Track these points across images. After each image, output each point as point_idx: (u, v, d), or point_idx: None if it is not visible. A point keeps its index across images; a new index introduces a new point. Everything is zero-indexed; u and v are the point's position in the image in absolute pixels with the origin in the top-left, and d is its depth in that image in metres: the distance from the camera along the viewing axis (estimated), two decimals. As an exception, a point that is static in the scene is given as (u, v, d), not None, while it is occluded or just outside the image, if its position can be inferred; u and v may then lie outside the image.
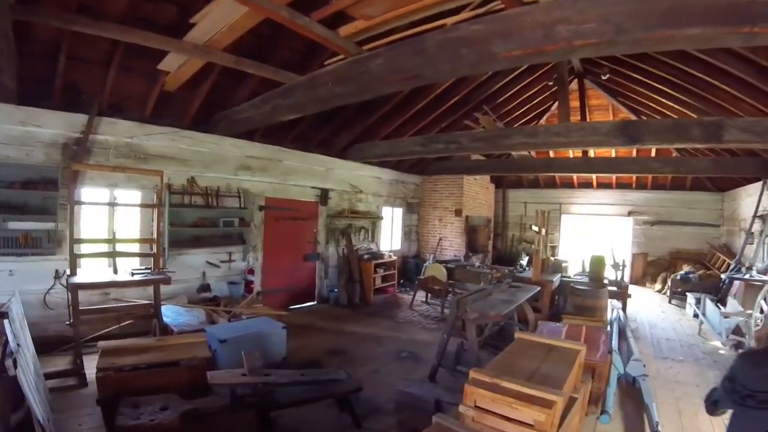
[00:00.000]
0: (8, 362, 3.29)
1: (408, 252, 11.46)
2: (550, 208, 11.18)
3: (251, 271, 7.27)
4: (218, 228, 6.86)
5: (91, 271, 5.36)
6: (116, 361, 4.02)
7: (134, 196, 6.14)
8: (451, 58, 3.63)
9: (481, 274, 7.86)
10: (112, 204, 5.47)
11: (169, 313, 5.73)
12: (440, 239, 11.29)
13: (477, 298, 5.24)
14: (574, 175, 12.45)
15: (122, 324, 5.52)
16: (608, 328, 5.87)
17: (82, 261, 5.46)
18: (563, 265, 9.03)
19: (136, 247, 5.94)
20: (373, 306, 8.53)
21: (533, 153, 10.60)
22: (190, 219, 6.63)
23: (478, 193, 11.91)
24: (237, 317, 5.97)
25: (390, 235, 10.95)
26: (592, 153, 10.36)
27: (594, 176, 12.23)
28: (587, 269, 8.03)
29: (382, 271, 9.26)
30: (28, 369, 3.60)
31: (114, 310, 5.36)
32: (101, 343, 4.34)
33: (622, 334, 6.15)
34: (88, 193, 5.72)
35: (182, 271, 6.49)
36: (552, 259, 8.87)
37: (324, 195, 8.63)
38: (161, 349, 4.29)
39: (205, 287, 6.72)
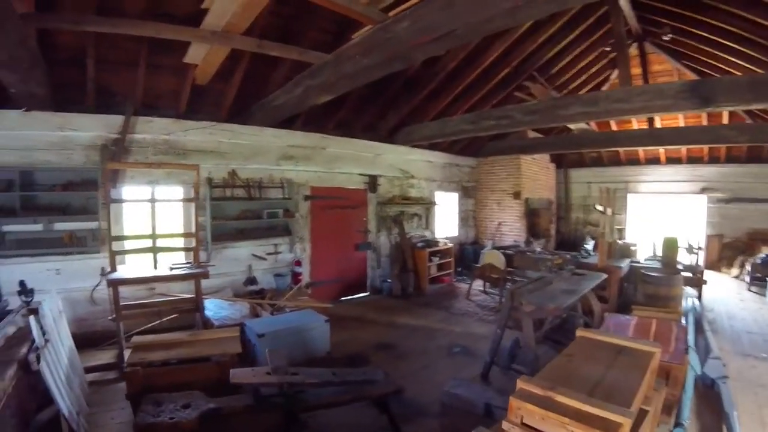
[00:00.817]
0: (32, 357, 3.31)
1: (465, 239, 10.89)
2: (615, 187, 10.28)
3: (298, 263, 7.12)
4: (262, 220, 6.76)
5: (133, 267, 5.41)
6: (146, 356, 3.95)
7: (176, 191, 6.19)
8: (481, 4, 3.15)
9: (540, 260, 7.16)
10: (150, 201, 5.48)
11: (212, 307, 5.70)
12: (499, 224, 10.61)
13: (534, 288, 4.73)
14: (640, 150, 11.21)
15: (165, 319, 5.52)
16: (683, 321, 5.15)
17: (128, 257, 5.59)
18: (632, 249, 8.16)
19: (180, 243, 5.97)
20: (428, 296, 8.12)
21: (593, 125, 9.70)
22: (233, 212, 6.57)
23: (537, 174, 11.06)
24: (280, 310, 5.79)
25: (445, 222, 10.45)
26: (658, 123, 9.32)
27: (662, 150, 10.94)
28: (659, 253, 7.28)
29: (437, 259, 8.81)
30: (58, 364, 3.60)
31: (156, 305, 5.35)
32: (135, 338, 4.32)
33: (698, 326, 5.47)
34: (129, 191, 5.84)
35: (227, 265, 6.50)
36: (619, 242, 7.98)
37: (372, 182, 8.32)
38: (192, 345, 4.19)
39: (252, 280, 6.64)
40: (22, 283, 4.18)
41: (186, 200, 5.86)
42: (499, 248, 8.47)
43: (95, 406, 3.98)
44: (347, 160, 7.95)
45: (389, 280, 8.21)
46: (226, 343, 4.20)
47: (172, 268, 5.16)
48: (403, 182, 9.04)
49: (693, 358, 3.98)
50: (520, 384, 2.19)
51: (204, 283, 6.03)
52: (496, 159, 10.69)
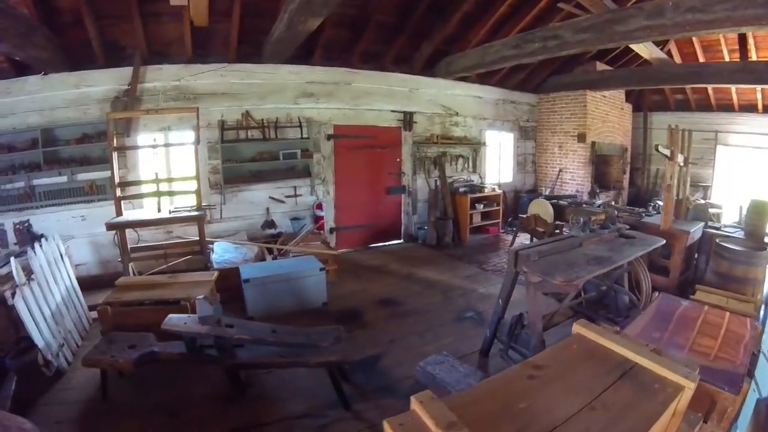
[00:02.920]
0: (8, 293, 3.75)
1: (522, 185, 10.17)
2: (702, 137, 9.14)
3: (319, 206, 7.21)
4: (279, 161, 6.89)
5: (138, 211, 5.83)
6: (121, 296, 4.29)
7: (188, 136, 6.39)
8: None
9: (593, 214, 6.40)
10: (152, 146, 5.90)
11: (218, 250, 6.00)
12: (560, 171, 9.72)
13: (551, 251, 3.85)
14: (733, 90, 9.42)
15: (177, 261, 5.90)
16: (760, 315, 4.08)
17: (145, 202, 6.03)
18: (714, 212, 7.08)
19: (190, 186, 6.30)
20: (466, 248, 7.83)
21: (676, 54, 8.34)
22: (249, 154, 6.76)
23: (608, 115, 9.80)
24: (285, 255, 5.94)
25: (498, 166, 9.82)
26: (753, 54, 7.85)
27: (759, 92, 9.08)
28: (744, 220, 6.11)
29: (481, 206, 8.39)
30: (43, 301, 4.02)
31: (161, 248, 5.76)
32: (120, 279, 4.67)
33: None
34: (143, 138, 6.30)
35: (244, 208, 6.81)
36: (696, 201, 6.90)
37: (408, 119, 7.99)
38: (168, 287, 4.44)
39: (270, 223, 6.89)
40: (29, 230, 4.72)
41: (187, 144, 6.04)
42: (552, 198, 7.81)
43: (91, 340, 4.37)
44: (377, 96, 7.67)
45: (425, 228, 8.02)
46: (201, 288, 4.39)
47: (171, 212, 5.46)
48: (445, 120, 8.57)
49: (762, 370, 2.85)
50: (414, 404, 1.35)
51: (218, 226, 6.52)
52: (558, 96, 9.67)
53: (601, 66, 9.03)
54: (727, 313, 3.46)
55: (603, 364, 1.79)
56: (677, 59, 8.48)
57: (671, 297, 3.89)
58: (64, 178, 6.02)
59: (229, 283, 5.03)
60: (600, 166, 9.65)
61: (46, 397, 3.60)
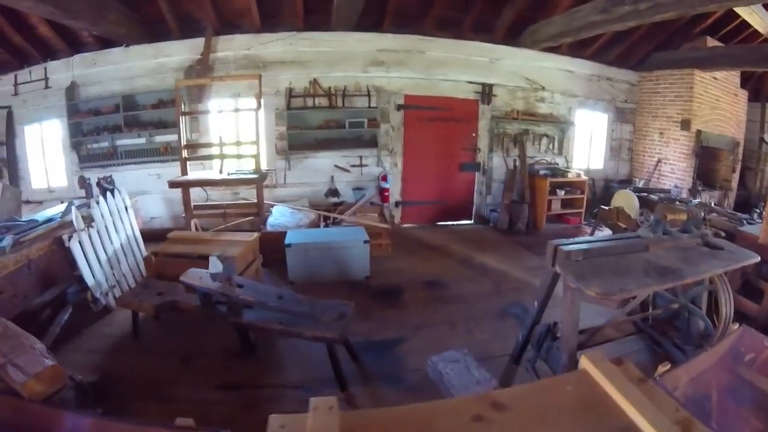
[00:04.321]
0: (65, 237, 4.29)
1: (615, 174, 9.26)
2: None
3: (384, 178, 7.24)
4: (345, 130, 7.03)
5: (200, 172, 6.27)
6: (167, 248, 4.73)
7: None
8: None
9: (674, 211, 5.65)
10: (215, 111, 6.66)
11: (276, 213, 6.34)
12: (658, 161, 8.70)
13: (604, 251, 3.24)
14: None
15: (235, 222, 6.29)
16: None
17: (213, 163, 6.49)
18: None
19: (263, 151, 6.68)
20: (539, 236, 7.36)
21: None
22: (315, 122, 7.03)
23: (719, 101, 8.53)
24: (337, 224, 6.08)
25: (589, 150, 9.10)
26: None
27: None
28: None
29: (562, 193, 7.86)
30: (100, 246, 4.52)
31: (221, 207, 6.16)
32: (172, 233, 5.10)
33: None
34: (215, 103, 6.86)
35: (308, 175, 7.13)
36: None
37: (487, 92, 7.68)
38: (208, 244, 4.77)
39: (333, 192, 7.13)
40: (98, 183, 5.29)
41: (246, 110, 6.33)
42: (642, 191, 7.14)
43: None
44: (453, 66, 7.47)
45: (498, 210, 7.74)
46: (237, 246, 4.64)
47: (230, 174, 5.82)
48: (529, 95, 8.11)
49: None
50: (311, 407, 1.15)
51: (282, 191, 6.91)
52: (662, 74, 8.62)
53: (711, 42, 7.96)
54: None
55: (598, 426, 1.29)
56: None
57: (755, 334, 2.83)
58: (142, 140, 6.85)
59: (278, 246, 5.24)
60: (706, 160, 8.54)
61: (90, 329, 4.14)
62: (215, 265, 3.51)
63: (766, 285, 4.49)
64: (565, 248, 3.10)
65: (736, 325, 3.22)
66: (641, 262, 3.17)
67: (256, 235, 5.00)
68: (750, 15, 6.95)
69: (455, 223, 7.99)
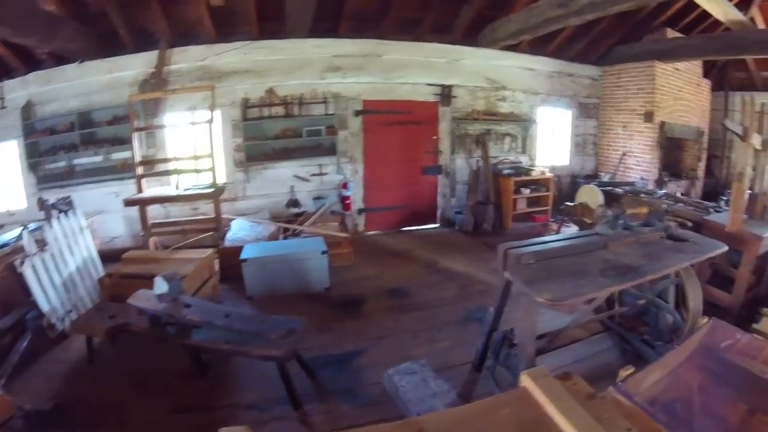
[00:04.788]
0: (17, 262, 4.55)
1: (581, 169, 9.75)
2: None
3: (345, 185, 7.56)
4: (303, 138, 7.35)
5: (156, 189, 6.58)
6: (122, 269, 5.01)
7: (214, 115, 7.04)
8: None
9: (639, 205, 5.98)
10: (165, 126, 6.93)
11: (235, 228, 6.62)
12: (623, 155, 9.19)
13: (559, 252, 3.25)
14: None
15: (196, 238, 6.57)
16: None
17: (171, 179, 6.78)
18: None
19: (221, 164, 6.99)
20: (506, 236, 7.64)
21: (758, 18, 7.67)
22: (272, 131, 7.33)
23: (681, 91, 9.01)
24: (297, 235, 6.41)
25: (554, 147, 9.55)
26: None
27: None
28: None
29: (527, 191, 8.28)
30: (54, 270, 4.78)
31: (179, 224, 6.48)
32: (128, 253, 5.40)
33: None
34: (171, 118, 7.08)
35: (268, 186, 7.42)
36: None
37: (446, 93, 8.06)
38: (163, 263, 5.06)
39: (294, 202, 7.45)
40: (54, 205, 5.56)
41: (201, 123, 6.60)
42: (607, 185, 7.54)
43: (101, 308, 5.17)
44: (412, 68, 7.83)
45: (463, 212, 8.11)
46: (191, 264, 4.95)
47: (185, 189, 6.13)
48: (489, 94, 8.50)
49: None
50: None
51: (242, 204, 7.22)
52: (624, 68, 9.11)
53: (672, 34, 8.42)
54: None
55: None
56: (761, 23, 7.71)
57: (725, 326, 2.89)
58: (99, 158, 7.10)
59: (237, 261, 5.48)
60: (671, 151, 9.04)
61: (48, 355, 4.37)
62: (160, 286, 3.74)
63: (736, 273, 4.67)
64: (516, 251, 3.06)
65: (705, 319, 3.05)
66: (599, 262, 3.17)
67: (210, 251, 5.31)
68: (708, 3, 7.16)
69: (421, 227, 8.33)
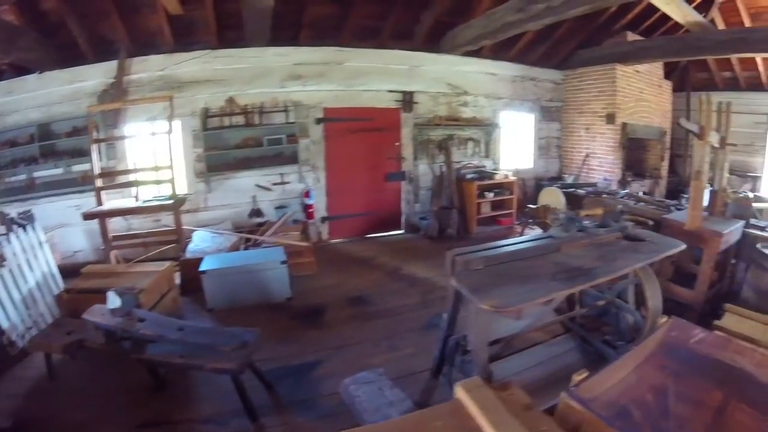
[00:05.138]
0: None
1: (545, 172, 10.29)
2: (754, 120, 9.30)
3: (307, 194, 7.90)
4: (264, 147, 7.68)
5: (116, 201, 6.80)
6: (80, 284, 5.26)
7: (175, 124, 7.20)
8: None
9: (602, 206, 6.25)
10: (125, 137, 7.14)
11: (196, 239, 6.89)
12: (586, 156, 9.74)
13: (509, 257, 3.33)
14: None
15: (158, 250, 6.84)
16: None
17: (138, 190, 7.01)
18: (764, 207, 7.00)
19: (182, 174, 7.30)
20: (471, 240, 8.15)
21: (718, 19, 8.33)
22: (233, 141, 7.63)
23: (643, 93, 9.63)
24: (258, 245, 6.72)
25: (516, 150, 10.06)
26: None
27: None
28: None
29: (491, 195, 8.70)
30: (12, 286, 5.02)
31: (140, 236, 6.74)
32: (87, 267, 5.66)
33: None
34: (131, 128, 7.30)
35: (230, 196, 7.70)
36: (733, 194, 6.49)
37: (408, 99, 8.46)
38: (122, 276, 5.33)
39: (256, 212, 7.76)
40: (12, 219, 5.79)
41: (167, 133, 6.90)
42: (569, 186, 7.98)
43: (61, 323, 5.39)
44: (373, 75, 8.19)
45: (428, 218, 8.49)
46: (149, 277, 5.22)
47: (145, 201, 6.41)
48: (452, 100, 8.93)
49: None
50: None
51: (205, 214, 7.51)
52: (585, 71, 9.66)
53: (632, 37, 8.99)
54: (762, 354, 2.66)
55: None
56: (721, 24, 8.32)
57: (685, 324, 2.99)
58: (60, 170, 7.28)
59: (197, 273, 5.70)
60: (635, 151, 9.62)
61: (9, 373, 4.55)
62: (113, 301, 3.86)
63: (698, 269, 4.85)
64: (464, 257, 3.10)
65: (665, 318, 3.23)
66: (551, 265, 3.21)
67: (168, 264, 5.58)
68: (667, 5, 7.67)
69: (385, 234, 8.70)
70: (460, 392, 1.61)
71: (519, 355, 3.74)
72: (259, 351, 3.90)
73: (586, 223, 4.05)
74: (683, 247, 3.79)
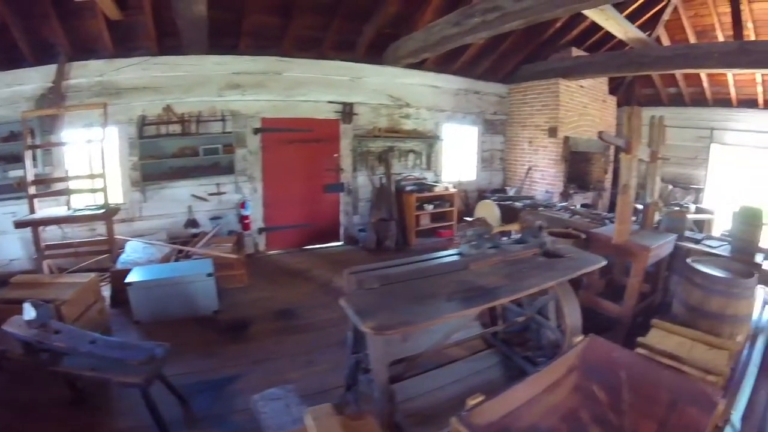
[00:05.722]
0: None
1: (488, 184, 11.14)
2: (697, 135, 10.40)
3: (243, 205, 8.43)
4: (200, 157, 8.18)
5: (49, 210, 7.25)
6: (6, 294, 5.72)
7: (112, 132, 7.73)
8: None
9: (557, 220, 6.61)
10: (60, 144, 7.43)
11: (128, 250, 7.38)
12: (529, 169, 10.63)
13: (408, 277, 3.52)
14: (730, 81, 10.21)
15: (94, 260, 7.29)
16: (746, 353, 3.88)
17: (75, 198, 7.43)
18: (706, 218, 7.76)
19: (118, 183, 7.83)
20: (409, 252, 8.81)
21: (663, 35, 9.16)
22: (170, 150, 8.13)
23: (586, 107, 10.60)
24: (188, 257, 7.28)
25: (459, 162, 10.84)
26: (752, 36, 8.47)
27: (760, 84, 9.84)
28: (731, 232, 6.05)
29: (430, 207, 9.40)
30: None
31: (72, 246, 7.24)
32: (16, 277, 6.16)
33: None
34: (68, 135, 7.63)
35: (166, 206, 8.18)
36: (665, 207, 7.30)
37: (348, 111, 9.08)
38: (47, 287, 5.82)
39: (192, 222, 8.26)
40: None
41: (96, 141, 7.24)
42: (507, 199, 8.70)
43: None
44: (313, 86, 8.80)
45: (366, 230, 9.14)
46: (72, 288, 5.68)
47: (76, 210, 6.91)
48: (393, 111, 9.63)
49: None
50: None
51: (140, 224, 7.99)
52: (530, 85, 10.58)
53: (578, 52, 9.84)
54: (686, 376, 2.95)
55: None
56: (666, 40, 9.16)
57: (601, 343, 3.08)
58: None
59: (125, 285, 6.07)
60: (579, 164, 10.53)
61: None
62: (28, 312, 4.06)
63: (627, 282, 5.14)
64: (358, 276, 3.32)
65: (581, 337, 3.26)
66: (451, 284, 3.32)
67: (93, 275, 6.06)
68: (606, 21, 8.31)
69: (324, 245, 9.30)
70: (307, 419, 1.80)
71: (438, 371, 4.00)
72: (179, 365, 4.31)
73: (504, 239, 4.56)
74: (603, 263, 4.08)
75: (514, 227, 5.35)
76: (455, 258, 3.93)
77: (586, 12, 7.72)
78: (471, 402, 2.05)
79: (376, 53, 9.08)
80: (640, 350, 3.60)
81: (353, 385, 3.78)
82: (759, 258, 5.44)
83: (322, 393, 4.18)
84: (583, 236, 5.45)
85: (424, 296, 3.09)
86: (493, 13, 6.58)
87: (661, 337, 3.88)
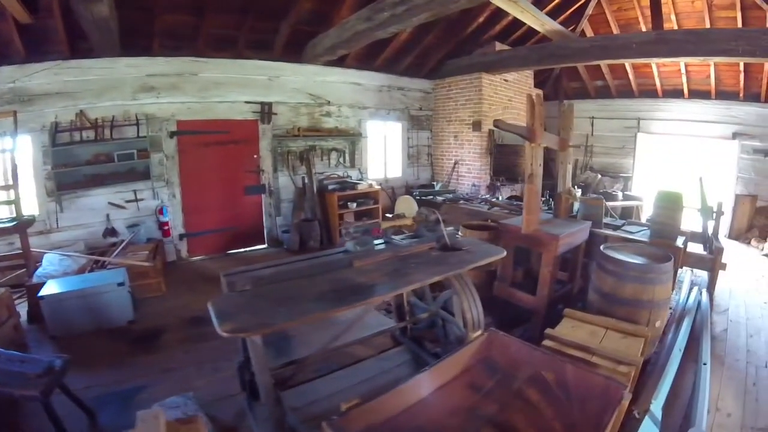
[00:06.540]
0: None
1: (416, 180, 12.15)
2: (624, 125, 11.69)
3: (161, 211, 9.15)
4: (116, 163, 8.78)
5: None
6: None
7: (25, 140, 8.28)
8: None
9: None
10: None
11: (45, 263, 7.90)
12: (455, 163, 11.74)
13: (283, 277, 3.72)
14: (655, 72, 11.68)
15: (12, 275, 7.86)
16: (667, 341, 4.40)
17: None
18: (635, 205, 8.70)
19: (31, 194, 8.39)
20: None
21: (587, 27, 10.22)
22: (84, 157, 8.70)
23: (511, 101, 11.81)
24: (103, 267, 8.03)
25: (384, 159, 11.75)
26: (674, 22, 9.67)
27: (684, 75, 11.22)
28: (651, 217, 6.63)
29: (354, 205, 10.26)
30: None
31: (-14, 260, 7.96)
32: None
33: (694, 344, 4.59)
34: None
35: (82, 216, 8.76)
36: (578, 194, 7.93)
37: (266, 110, 9.87)
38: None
39: (111, 231, 8.92)
40: None
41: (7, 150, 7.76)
42: (429, 193, 9.69)
43: None
44: (230, 86, 9.56)
45: (290, 231, 9.99)
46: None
47: (-13, 223, 7.62)
48: (314, 110, 10.51)
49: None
50: None
51: (57, 236, 8.56)
52: (454, 80, 11.66)
53: (501, 47, 10.91)
54: (589, 370, 2.99)
55: None
56: (589, 32, 10.32)
57: (501, 337, 3.28)
58: None
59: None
60: (508, 156, 11.51)
61: None
62: None
63: (540, 272, 5.48)
64: (230, 278, 3.49)
65: (479, 332, 3.62)
66: (325, 284, 3.49)
67: (3, 290, 6.31)
68: (522, 14, 9.21)
69: (248, 249, 10.07)
70: (139, 422, 2.07)
71: (344, 371, 4.33)
72: (88, 377, 4.75)
73: (399, 236, 4.75)
74: (503, 254, 4.27)
75: (406, 222, 5.29)
76: (339, 256, 4.19)
77: (497, 3, 8.55)
78: (345, 406, 2.23)
79: (294, 52, 9.84)
80: (547, 342, 3.85)
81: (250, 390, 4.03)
82: (680, 241, 5.97)
83: (223, 399, 4.58)
84: (468, 233, 6.08)
85: (291, 297, 3.26)
86: (401, 6, 7.15)
87: (572, 327, 4.15)
